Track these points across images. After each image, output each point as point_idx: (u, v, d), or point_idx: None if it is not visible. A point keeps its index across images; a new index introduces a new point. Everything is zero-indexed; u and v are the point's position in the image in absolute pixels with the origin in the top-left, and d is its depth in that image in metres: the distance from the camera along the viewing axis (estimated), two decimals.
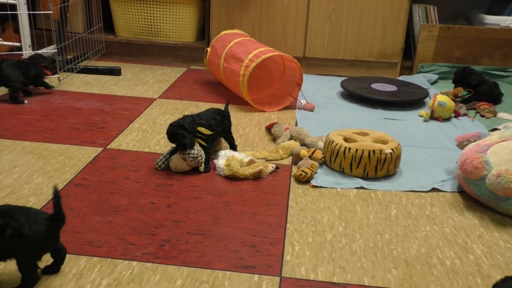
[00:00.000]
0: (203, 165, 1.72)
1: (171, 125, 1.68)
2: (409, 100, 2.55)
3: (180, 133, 1.66)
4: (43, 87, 2.45)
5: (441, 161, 1.92)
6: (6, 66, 2.27)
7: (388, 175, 1.78)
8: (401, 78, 3.00)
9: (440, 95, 2.40)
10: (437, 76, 2.98)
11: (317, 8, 2.98)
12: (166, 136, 1.70)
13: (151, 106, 2.37)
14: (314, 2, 2.97)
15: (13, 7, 2.52)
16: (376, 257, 1.32)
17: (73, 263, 1.23)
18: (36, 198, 1.51)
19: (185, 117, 1.72)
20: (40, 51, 2.65)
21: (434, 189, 1.70)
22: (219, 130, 1.81)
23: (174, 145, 1.72)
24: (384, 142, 1.82)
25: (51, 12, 2.64)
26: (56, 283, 1.15)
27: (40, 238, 1.09)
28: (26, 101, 2.32)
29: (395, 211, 1.56)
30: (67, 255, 1.24)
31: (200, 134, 1.72)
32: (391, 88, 2.68)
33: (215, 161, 1.75)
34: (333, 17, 2.99)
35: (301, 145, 1.92)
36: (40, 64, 2.40)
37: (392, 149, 1.75)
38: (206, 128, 1.74)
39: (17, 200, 1.49)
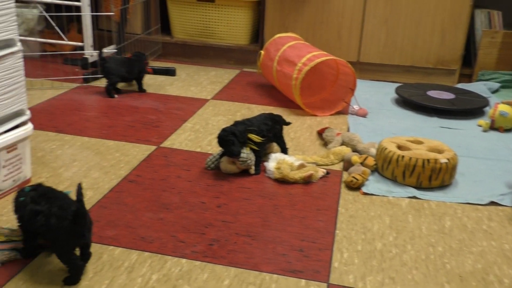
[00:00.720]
0: (252, 167, 1.73)
1: (224, 130, 1.70)
2: (467, 108, 2.46)
3: (230, 139, 1.68)
4: (140, 85, 2.58)
5: (501, 174, 1.84)
6: (110, 60, 2.47)
7: (443, 186, 1.73)
8: (460, 85, 2.90)
9: (502, 105, 2.30)
10: (499, 85, 2.86)
11: (373, 12, 2.93)
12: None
13: (204, 107, 2.41)
14: (371, 6, 2.92)
15: (78, 9, 2.63)
16: (428, 270, 1.28)
17: (125, 257, 1.26)
18: (93, 192, 1.56)
19: (237, 124, 1.74)
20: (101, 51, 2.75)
21: (492, 203, 1.64)
22: (271, 136, 1.82)
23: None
24: (440, 152, 1.76)
25: (113, 13, 2.73)
26: (109, 275, 1.19)
27: (63, 232, 1.10)
28: (116, 96, 2.48)
29: (450, 223, 1.51)
30: (120, 248, 1.28)
31: (251, 141, 1.74)
32: (449, 96, 2.60)
33: (265, 163, 1.75)
34: (390, 21, 2.93)
35: (353, 151, 1.90)
36: (143, 61, 2.57)
37: (447, 159, 1.70)
38: (257, 134, 1.75)
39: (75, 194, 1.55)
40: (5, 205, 1.47)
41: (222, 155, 1.76)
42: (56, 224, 1.11)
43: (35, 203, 1.15)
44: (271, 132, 1.82)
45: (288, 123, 1.93)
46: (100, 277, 1.18)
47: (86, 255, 1.19)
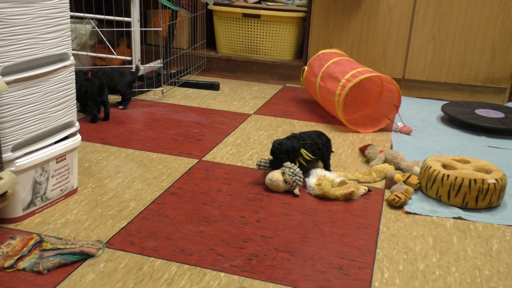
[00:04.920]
0: (297, 188, 1.71)
1: (280, 143, 1.74)
2: None
3: (282, 157, 1.73)
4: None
5: None
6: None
7: (490, 207, 1.67)
8: (510, 104, 2.81)
9: None
10: None
11: (421, 29, 2.89)
12: (259, 151, 1.73)
13: (246, 121, 2.43)
14: (418, 23, 2.88)
15: (128, 24, 2.72)
16: None
17: (165, 268, 1.28)
18: (136, 203, 1.60)
19: (293, 139, 1.77)
20: (148, 65, 2.83)
21: None
22: (324, 150, 1.82)
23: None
24: (488, 172, 1.71)
25: (161, 29, 2.81)
26: (149, 287, 1.21)
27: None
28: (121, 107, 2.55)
29: (497, 246, 1.45)
30: (160, 260, 1.30)
31: (301, 157, 1.75)
32: (498, 114, 2.52)
33: (306, 179, 1.74)
34: (437, 38, 2.88)
35: (396, 169, 1.86)
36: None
37: (496, 179, 1.64)
38: (311, 146, 1.78)
39: (118, 204, 1.59)
40: (53, 214, 1.52)
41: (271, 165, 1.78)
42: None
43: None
44: (325, 147, 1.83)
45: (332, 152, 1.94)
46: None
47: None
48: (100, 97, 2.30)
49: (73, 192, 1.64)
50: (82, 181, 1.73)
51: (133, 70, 2.64)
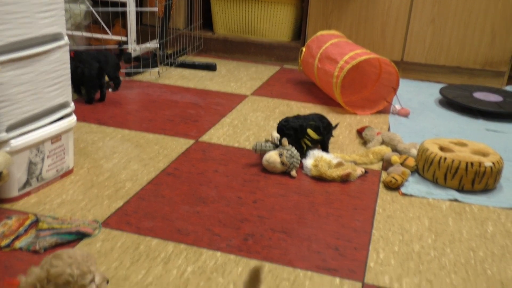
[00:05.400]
0: (294, 170, 1.71)
1: (286, 120, 1.77)
2: None
3: (289, 133, 1.74)
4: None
5: None
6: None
7: (486, 190, 1.67)
8: (508, 88, 2.80)
9: None
10: None
11: (420, 11, 2.86)
12: (256, 132, 1.72)
13: (243, 103, 2.42)
14: (418, 5, 2.85)
15: (123, 4, 2.69)
16: (468, 275, 1.24)
17: (162, 248, 1.28)
18: (132, 184, 1.60)
19: (299, 118, 1.78)
20: (144, 46, 2.81)
21: None
22: (325, 134, 1.82)
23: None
24: (484, 155, 1.70)
25: (156, 9, 2.77)
26: (145, 266, 1.21)
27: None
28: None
29: (492, 229, 1.46)
30: (157, 239, 1.30)
31: (308, 137, 1.75)
32: (496, 98, 2.51)
33: (303, 160, 1.74)
34: (437, 21, 2.86)
35: (393, 151, 1.86)
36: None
37: (493, 163, 1.64)
38: (316, 129, 1.78)
39: (114, 184, 1.59)
40: (48, 194, 1.52)
41: (274, 146, 1.77)
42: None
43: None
44: (326, 130, 1.82)
45: (336, 126, 1.94)
46: (137, 267, 1.20)
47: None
48: (99, 80, 2.27)
49: (68, 172, 1.63)
50: (77, 161, 1.72)
51: (126, 51, 2.59)
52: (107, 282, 0.91)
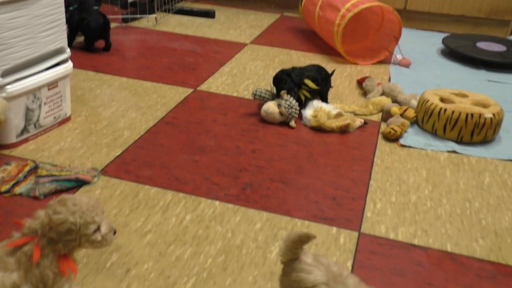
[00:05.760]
0: (293, 120, 1.69)
1: (281, 70, 1.75)
2: None
3: (284, 79, 1.71)
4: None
5: None
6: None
7: (485, 141, 1.67)
8: None
9: None
10: None
11: None
12: (255, 81, 1.70)
13: (242, 51, 2.38)
14: None
15: None
16: (463, 225, 1.26)
17: (160, 196, 1.29)
18: (130, 132, 1.59)
19: (294, 68, 1.76)
20: None
21: None
22: (323, 85, 1.79)
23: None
24: (485, 106, 1.69)
25: None
26: (144, 213, 1.22)
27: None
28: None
29: (489, 180, 1.47)
30: (156, 188, 1.31)
31: (306, 86, 1.73)
32: (500, 48, 2.47)
33: (302, 111, 1.73)
34: None
35: (393, 102, 1.85)
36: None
37: (493, 114, 1.63)
38: (314, 81, 1.75)
39: (113, 132, 1.58)
40: (47, 141, 1.51)
41: (273, 97, 1.75)
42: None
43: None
44: (324, 81, 1.79)
45: (333, 72, 1.90)
46: (136, 214, 1.22)
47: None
48: (105, 33, 2.22)
49: (66, 120, 1.62)
50: (75, 109, 1.71)
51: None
52: (114, 232, 0.88)
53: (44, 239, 0.82)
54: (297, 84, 1.73)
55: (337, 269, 0.82)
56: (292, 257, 0.85)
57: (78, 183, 1.30)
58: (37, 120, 1.50)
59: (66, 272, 0.83)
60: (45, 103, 1.51)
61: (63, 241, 0.82)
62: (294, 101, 1.69)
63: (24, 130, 1.47)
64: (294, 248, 0.84)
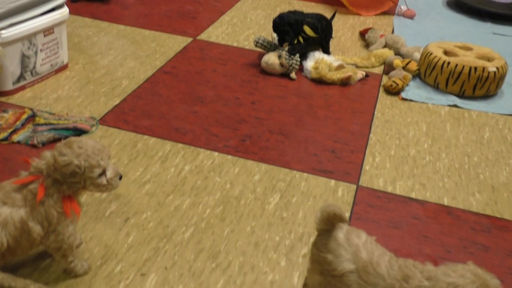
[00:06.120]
0: (294, 72, 1.66)
1: (280, 17, 1.67)
2: None
3: (286, 29, 1.65)
4: None
5: None
6: None
7: (487, 96, 1.66)
8: None
9: None
10: None
11: None
12: (256, 31, 1.66)
13: (243, 0, 2.31)
14: None
15: None
16: (460, 179, 1.27)
17: (159, 147, 1.29)
18: (128, 81, 1.57)
19: (296, 13, 1.69)
20: None
21: None
22: (323, 35, 1.75)
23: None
24: (489, 59, 1.67)
25: None
26: (143, 163, 1.22)
27: None
28: None
29: (489, 134, 1.46)
30: (154, 138, 1.31)
31: (304, 34, 1.68)
32: None
33: (303, 62, 1.70)
34: None
35: (396, 54, 1.81)
36: None
37: (497, 68, 1.61)
38: (313, 28, 1.69)
39: (111, 81, 1.56)
40: (44, 89, 1.49)
41: (274, 47, 1.71)
42: None
43: None
44: (324, 32, 1.74)
45: (334, 16, 1.85)
46: (134, 164, 1.22)
47: None
48: None
49: (63, 67, 1.59)
50: (72, 56, 1.68)
51: None
52: (120, 177, 0.88)
53: (49, 179, 0.83)
54: (295, 29, 1.67)
55: (367, 254, 0.76)
56: (327, 228, 0.81)
57: (76, 132, 1.30)
58: (34, 67, 1.48)
59: (70, 213, 0.84)
60: (41, 50, 1.48)
61: (68, 183, 0.82)
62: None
63: (21, 77, 1.45)
64: (329, 221, 0.80)
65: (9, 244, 0.82)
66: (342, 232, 0.80)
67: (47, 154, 0.85)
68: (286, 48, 1.65)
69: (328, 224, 0.81)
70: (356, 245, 0.78)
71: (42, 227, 0.84)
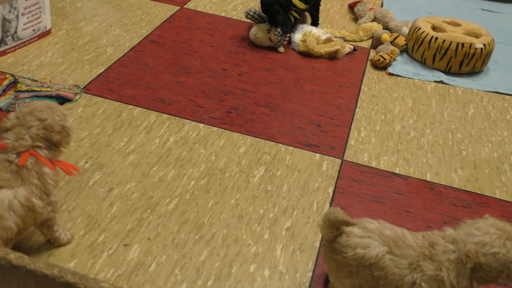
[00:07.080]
0: (282, 47, 1.64)
1: None
2: None
3: (276, 9, 1.59)
4: None
5: None
6: None
7: (473, 72, 1.66)
8: None
9: None
10: None
11: None
12: (245, 1, 1.63)
13: None
14: None
15: None
16: (444, 155, 1.28)
17: (144, 117, 1.27)
18: (113, 50, 1.54)
19: None
20: None
21: None
22: (312, 3, 1.72)
23: None
24: (477, 36, 1.67)
25: None
26: (128, 133, 1.21)
27: None
28: None
29: (473, 111, 1.47)
30: (139, 108, 1.29)
31: (294, 7, 1.64)
32: None
33: (291, 35, 1.68)
34: None
35: (384, 29, 1.80)
36: None
37: (484, 44, 1.61)
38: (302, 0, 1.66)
39: (95, 49, 1.53)
40: (26, 54, 1.46)
41: (263, 20, 1.66)
42: None
43: None
44: (310, 2, 1.71)
45: None
46: (119, 134, 1.21)
47: None
48: None
49: (46, 33, 1.56)
50: (55, 22, 1.63)
51: None
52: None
53: (42, 147, 0.84)
54: (286, 6, 1.62)
55: (390, 232, 0.78)
56: (336, 233, 0.80)
57: (60, 100, 1.28)
58: (15, 32, 1.44)
59: (71, 172, 0.88)
60: (22, 14, 1.44)
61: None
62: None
63: (2, 41, 1.41)
64: (336, 226, 0.79)
65: (18, 226, 0.81)
66: (354, 227, 0.80)
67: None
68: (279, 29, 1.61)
69: (336, 229, 0.80)
70: (377, 229, 0.79)
71: (41, 200, 0.83)
